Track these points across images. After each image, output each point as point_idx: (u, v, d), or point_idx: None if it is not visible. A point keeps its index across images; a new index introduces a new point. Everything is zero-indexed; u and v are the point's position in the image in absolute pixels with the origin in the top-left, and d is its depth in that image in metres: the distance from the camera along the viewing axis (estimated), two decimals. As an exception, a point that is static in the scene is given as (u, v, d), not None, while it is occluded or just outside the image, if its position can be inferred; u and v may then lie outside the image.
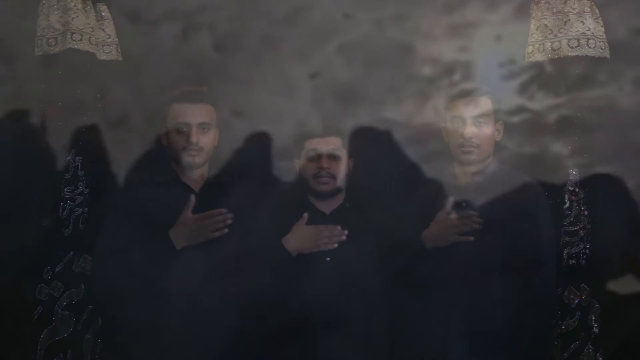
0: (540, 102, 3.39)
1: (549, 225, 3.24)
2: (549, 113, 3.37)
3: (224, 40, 3.61)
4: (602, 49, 3.35)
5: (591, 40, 3.34)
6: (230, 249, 3.14)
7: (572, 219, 3.31)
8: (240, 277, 3.15)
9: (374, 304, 3.21)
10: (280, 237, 3.22)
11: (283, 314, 3.16)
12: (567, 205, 3.31)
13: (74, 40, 3.33)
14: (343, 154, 3.30)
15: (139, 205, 3.16)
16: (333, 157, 3.28)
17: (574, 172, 3.33)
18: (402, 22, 3.57)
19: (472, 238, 3.14)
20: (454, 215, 3.17)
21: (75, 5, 3.36)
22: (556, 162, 3.34)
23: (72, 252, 3.30)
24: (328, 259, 3.21)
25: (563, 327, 3.30)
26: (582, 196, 3.31)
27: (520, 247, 3.15)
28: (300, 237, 3.21)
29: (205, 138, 3.18)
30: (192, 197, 3.12)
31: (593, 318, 3.28)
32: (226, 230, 3.07)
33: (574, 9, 3.36)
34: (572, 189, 3.32)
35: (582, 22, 3.35)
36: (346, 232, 3.19)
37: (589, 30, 3.34)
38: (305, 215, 3.23)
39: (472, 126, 3.23)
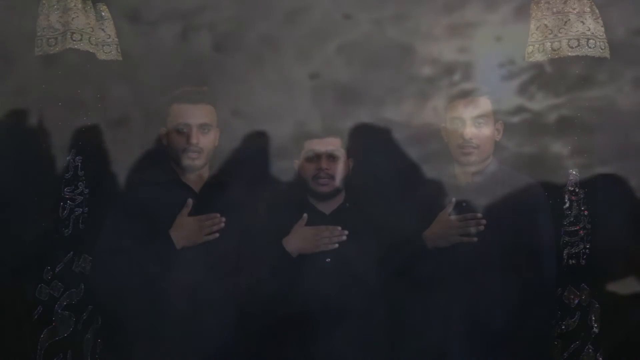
0: (540, 102, 3.39)
1: (549, 225, 3.24)
2: (549, 113, 3.37)
3: (224, 40, 3.61)
4: (602, 49, 3.36)
5: (591, 40, 3.34)
6: (230, 249, 3.15)
7: (572, 219, 3.31)
8: (240, 277, 3.16)
9: (375, 304, 3.21)
10: (281, 238, 3.22)
11: (283, 314, 3.16)
12: (567, 205, 3.32)
13: (74, 40, 3.34)
14: (342, 154, 3.30)
15: (139, 205, 3.16)
16: (332, 158, 3.27)
17: (574, 172, 3.33)
18: (402, 22, 3.57)
19: (475, 239, 3.14)
20: (454, 216, 3.17)
21: (75, 5, 3.36)
22: (556, 162, 3.35)
23: (72, 252, 3.31)
24: (328, 259, 3.21)
25: (563, 327, 3.31)
26: (582, 196, 3.31)
27: (520, 247, 3.16)
28: (300, 238, 3.21)
29: (205, 139, 3.18)
30: (190, 201, 3.12)
31: (593, 318, 3.28)
32: (217, 235, 3.09)
33: (574, 9, 3.36)
34: (572, 189, 3.32)
35: (582, 22, 3.35)
36: (346, 232, 3.19)
37: (589, 30, 3.34)
38: (305, 215, 3.23)
39: (472, 127, 3.23)
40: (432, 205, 3.24)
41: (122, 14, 3.51)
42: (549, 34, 3.38)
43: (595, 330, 3.28)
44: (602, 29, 3.37)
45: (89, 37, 3.37)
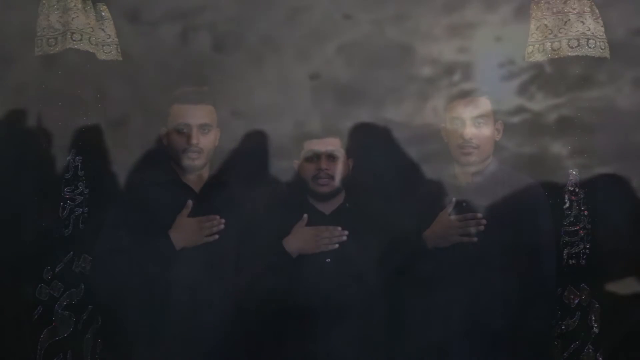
0: (540, 102, 3.39)
1: (549, 225, 3.24)
2: (549, 113, 3.37)
3: (224, 40, 3.61)
4: (602, 49, 3.36)
5: (591, 40, 3.34)
6: (230, 249, 3.15)
7: (572, 219, 3.31)
8: (240, 277, 3.16)
9: (375, 304, 3.21)
10: (281, 238, 3.21)
11: (283, 314, 3.15)
12: (567, 205, 3.32)
13: (74, 40, 3.34)
14: (342, 154, 3.30)
15: (140, 205, 3.16)
16: (332, 158, 3.27)
17: (574, 173, 3.33)
18: (402, 22, 3.57)
19: (475, 239, 3.14)
20: (454, 216, 3.17)
21: (75, 5, 3.36)
22: (556, 162, 3.35)
23: (72, 252, 3.31)
24: (328, 260, 3.21)
25: (563, 327, 3.31)
26: (582, 196, 3.31)
27: (520, 247, 3.16)
28: (300, 239, 3.21)
29: (205, 139, 3.18)
30: (190, 202, 3.12)
31: (593, 318, 3.28)
32: (217, 237, 3.08)
33: (574, 9, 3.36)
34: (572, 189, 3.32)
35: (582, 22, 3.35)
36: (346, 232, 3.19)
37: (589, 30, 3.34)
38: (305, 216, 3.23)
39: (472, 127, 3.23)
40: (432, 205, 3.24)
41: (122, 14, 3.51)
42: (549, 34, 3.38)
43: (595, 330, 3.28)
44: (602, 29, 3.37)
45: (89, 37, 3.37)
